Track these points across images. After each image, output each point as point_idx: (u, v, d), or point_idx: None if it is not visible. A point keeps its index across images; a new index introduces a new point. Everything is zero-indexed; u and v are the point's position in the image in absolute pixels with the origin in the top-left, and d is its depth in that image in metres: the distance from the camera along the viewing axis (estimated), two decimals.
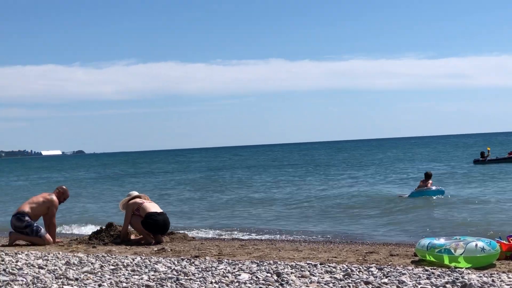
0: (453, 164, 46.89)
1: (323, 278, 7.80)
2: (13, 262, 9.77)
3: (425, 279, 7.56)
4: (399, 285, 7.23)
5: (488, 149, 48.19)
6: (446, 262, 8.55)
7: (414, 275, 7.79)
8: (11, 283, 7.83)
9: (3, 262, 9.72)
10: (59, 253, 10.97)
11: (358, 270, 8.26)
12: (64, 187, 13.68)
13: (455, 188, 27.21)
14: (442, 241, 8.96)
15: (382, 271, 8.15)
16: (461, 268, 8.28)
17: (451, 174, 36.16)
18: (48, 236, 13.12)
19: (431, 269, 8.15)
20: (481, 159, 44.93)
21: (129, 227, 12.86)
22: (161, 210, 12.91)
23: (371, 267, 8.43)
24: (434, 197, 21.51)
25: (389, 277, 7.72)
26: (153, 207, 12.81)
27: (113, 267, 9.02)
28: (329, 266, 8.66)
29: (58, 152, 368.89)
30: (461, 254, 8.49)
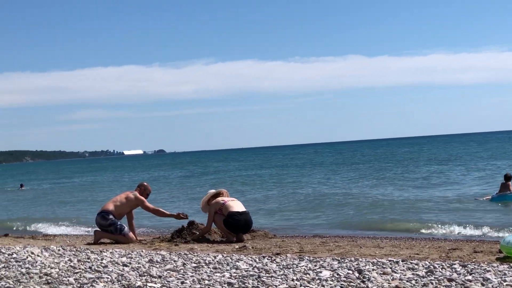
0: None
1: (405, 275, 7.72)
2: (98, 260, 9.98)
3: (511, 276, 7.40)
4: (484, 283, 7.09)
5: None
6: None
7: (499, 272, 7.63)
8: (97, 280, 8.01)
9: (88, 260, 9.94)
10: (142, 251, 11.15)
11: (441, 267, 8.14)
12: (145, 183, 13.89)
13: None
14: None
15: (466, 268, 8.01)
16: None
17: None
18: (131, 234, 13.36)
19: None
20: None
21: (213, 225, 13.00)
22: (244, 209, 12.91)
23: (454, 264, 8.30)
24: None
25: (473, 274, 7.58)
26: (236, 206, 12.84)
27: (195, 265, 9.12)
28: (411, 263, 8.57)
29: (140, 152, 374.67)
30: None
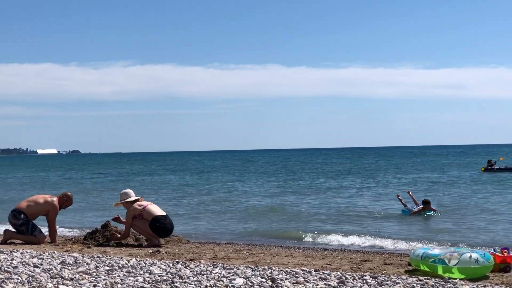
0: (458, 173, 47.15)
1: (317, 285, 7.84)
2: (8, 260, 9.77)
3: None
4: None
5: (501, 158, 48.64)
6: (440, 272, 8.60)
7: (408, 285, 7.83)
8: (6, 281, 7.84)
9: None
10: (54, 253, 10.98)
11: (352, 278, 8.30)
12: (69, 193, 13.48)
13: (458, 196, 27.43)
14: (436, 251, 9.01)
15: (376, 279, 8.18)
16: (455, 279, 8.32)
17: (457, 183, 36.46)
18: (43, 235, 13.11)
19: (425, 279, 8.19)
20: (489, 167, 45.25)
21: (132, 229, 12.93)
22: (165, 213, 12.97)
23: (365, 275, 8.47)
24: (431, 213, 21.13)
25: (383, 286, 7.75)
26: (157, 210, 12.87)
27: (108, 268, 9.03)
28: (323, 273, 8.69)
29: (54, 151, 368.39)
30: (455, 265, 8.53)
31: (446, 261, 8.60)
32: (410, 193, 22.43)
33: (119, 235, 13.02)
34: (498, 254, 9.32)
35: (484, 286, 7.97)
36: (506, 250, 9.44)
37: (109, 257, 10.45)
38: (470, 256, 8.57)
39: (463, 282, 8.09)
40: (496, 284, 8.16)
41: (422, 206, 20.98)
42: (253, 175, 52.55)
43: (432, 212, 20.72)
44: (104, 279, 8.08)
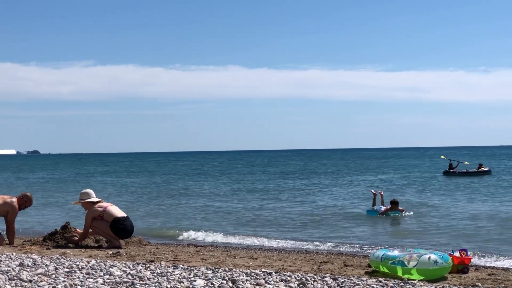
0: (420, 175, 47.66)
1: (278, 286, 7.85)
2: None
3: None
4: None
5: (443, 157, 49.38)
6: (399, 273, 8.67)
7: (367, 286, 7.88)
8: None
9: None
10: (12, 254, 10.86)
11: (313, 279, 8.32)
12: (28, 194, 13.26)
13: (419, 199, 27.72)
14: (396, 252, 9.08)
15: (337, 281, 8.22)
16: (414, 280, 8.40)
17: (418, 185, 36.84)
18: (1, 237, 12.92)
19: (385, 280, 8.24)
20: (450, 170, 45.86)
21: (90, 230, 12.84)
22: (126, 215, 12.91)
23: (326, 277, 8.50)
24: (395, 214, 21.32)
25: (343, 287, 7.79)
26: (118, 211, 12.80)
27: (67, 270, 8.95)
28: (284, 274, 8.71)
29: (13, 152, 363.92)
30: (414, 266, 8.61)
31: (406, 263, 8.68)
32: (382, 193, 22.57)
33: (77, 238, 12.91)
34: (456, 255, 9.43)
35: (443, 287, 8.06)
36: (464, 252, 9.56)
37: (68, 259, 10.36)
38: (429, 258, 8.65)
39: (422, 283, 8.16)
40: (454, 285, 8.25)
41: (389, 206, 21.14)
42: (206, 177, 52.73)
43: (399, 213, 20.87)
44: (64, 281, 8.01)
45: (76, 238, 12.88)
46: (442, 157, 51.10)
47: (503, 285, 8.40)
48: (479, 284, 8.31)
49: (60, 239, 12.91)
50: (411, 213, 21.29)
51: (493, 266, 11.21)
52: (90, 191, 13.06)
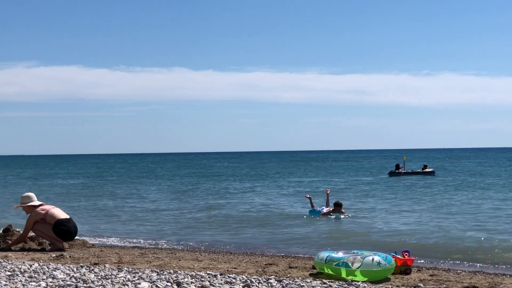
0: (366, 177, 48.14)
1: None
2: None
3: None
4: None
5: (404, 158, 50.28)
6: (343, 275, 8.76)
7: None
8: None
9: None
10: None
11: (258, 281, 8.36)
12: None
13: (362, 200, 27.97)
14: (340, 254, 9.17)
15: (281, 283, 8.26)
16: (358, 281, 8.50)
17: (362, 186, 37.20)
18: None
19: (329, 282, 8.32)
20: (396, 171, 46.54)
21: (32, 233, 12.66)
22: (69, 216, 12.77)
23: (270, 279, 8.54)
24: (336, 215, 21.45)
25: None
26: (60, 213, 12.65)
27: (9, 273, 8.83)
28: (229, 276, 8.73)
29: None
30: (358, 268, 8.72)
31: (350, 264, 8.78)
32: (328, 192, 22.71)
33: (10, 242, 12.69)
34: (399, 256, 9.57)
35: None
36: (406, 253, 9.70)
37: (10, 262, 10.22)
38: (373, 259, 8.77)
39: (365, 285, 8.27)
40: (397, 286, 8.38)
41: (332, 208, 21.26)
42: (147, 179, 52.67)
43: (342, 215, 20.99)
44: (5, 285, 7.90)
45: (10, 242, 12.67)
46: (404, 158, 52.04)
47: (445, 285, 8.57)
48: (421, 285, 8.46)
49: (1, 242, 12.71)
50: (353, 214, 21.46)
51: (435, 267, 11.38)
52: (32, 194, 12.90)
